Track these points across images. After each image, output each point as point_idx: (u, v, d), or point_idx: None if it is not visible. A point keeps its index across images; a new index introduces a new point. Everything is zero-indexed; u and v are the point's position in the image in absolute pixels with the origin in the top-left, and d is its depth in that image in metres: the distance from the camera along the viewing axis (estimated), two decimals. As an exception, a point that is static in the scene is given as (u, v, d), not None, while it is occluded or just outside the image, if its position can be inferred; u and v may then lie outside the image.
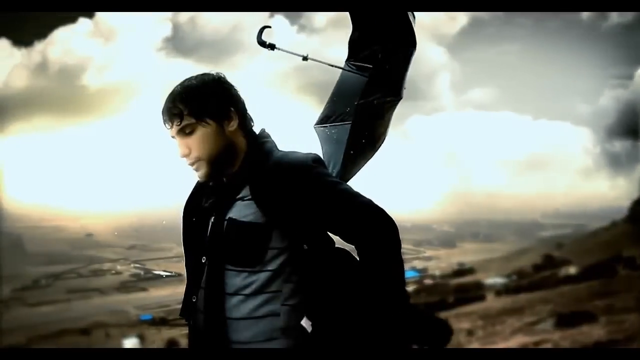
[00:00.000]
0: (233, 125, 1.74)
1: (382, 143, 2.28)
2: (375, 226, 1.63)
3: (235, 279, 1.66)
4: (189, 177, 1.83)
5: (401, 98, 2.21)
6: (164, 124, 1.74)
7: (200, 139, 1.70)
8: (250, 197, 1.69)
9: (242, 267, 1.66)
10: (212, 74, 1.76)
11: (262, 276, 1.65)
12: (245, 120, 1.78)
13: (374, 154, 2.28)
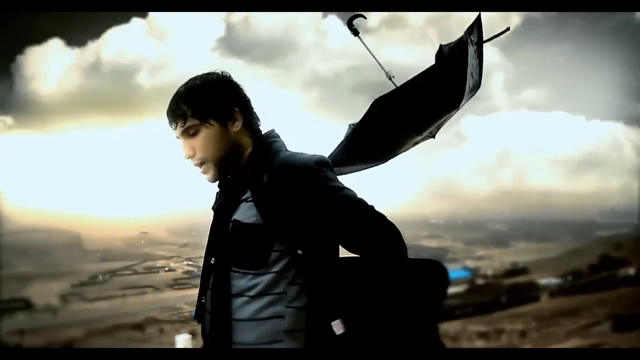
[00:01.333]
0: (237, 125, 1.72)
1: (387, 158, 2.23)
2: (377, 234, 1.61)
3: (241, 281, 1.65)
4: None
5: (420, 136, 2.17)
6: (169, 125, 1.75)
7: (204, 140, 1.70)
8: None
9: (246, 268, 1.65)
10: (217, 73, 1.75)
11: (267, 278, 1.64)
12: (251, 120, 1.76)
13: (376, 164, 2.23)
